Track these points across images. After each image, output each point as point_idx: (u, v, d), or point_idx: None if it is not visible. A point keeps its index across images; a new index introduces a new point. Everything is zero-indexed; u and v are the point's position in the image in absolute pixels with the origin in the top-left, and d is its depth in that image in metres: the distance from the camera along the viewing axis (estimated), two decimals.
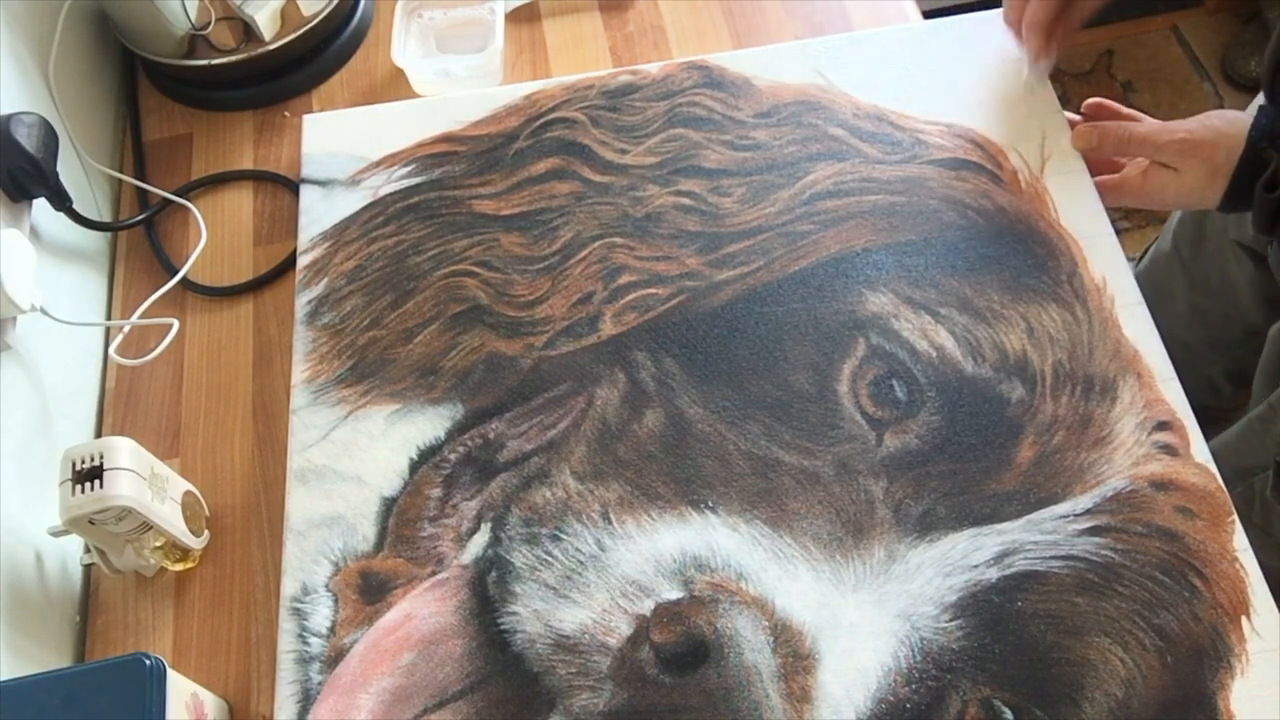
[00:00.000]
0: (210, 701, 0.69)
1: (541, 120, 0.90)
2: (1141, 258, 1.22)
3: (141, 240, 0.92)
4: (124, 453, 0.69)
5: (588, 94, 0.91)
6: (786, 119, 0.89)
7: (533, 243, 0.84)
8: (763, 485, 0.72)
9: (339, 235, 0.86)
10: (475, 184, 0.87)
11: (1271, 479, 0.95)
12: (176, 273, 0.88)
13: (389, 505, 0.74)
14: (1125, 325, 0.78)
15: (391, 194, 0.87)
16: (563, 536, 0.71)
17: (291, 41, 0.97)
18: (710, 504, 0.71)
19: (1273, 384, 0.99)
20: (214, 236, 0.91)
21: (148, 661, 0.61)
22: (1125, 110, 0.86)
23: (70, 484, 0.67)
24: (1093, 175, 0.84)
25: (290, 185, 0.93)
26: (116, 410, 0.84)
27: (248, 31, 0.94)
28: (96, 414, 0.85)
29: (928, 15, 0.99)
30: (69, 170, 0.85)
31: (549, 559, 0.70)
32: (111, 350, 0.83)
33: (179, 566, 0.76)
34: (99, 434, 0.84)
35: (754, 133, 0.88)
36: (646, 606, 0.67)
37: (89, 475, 0.67)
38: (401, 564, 0.72)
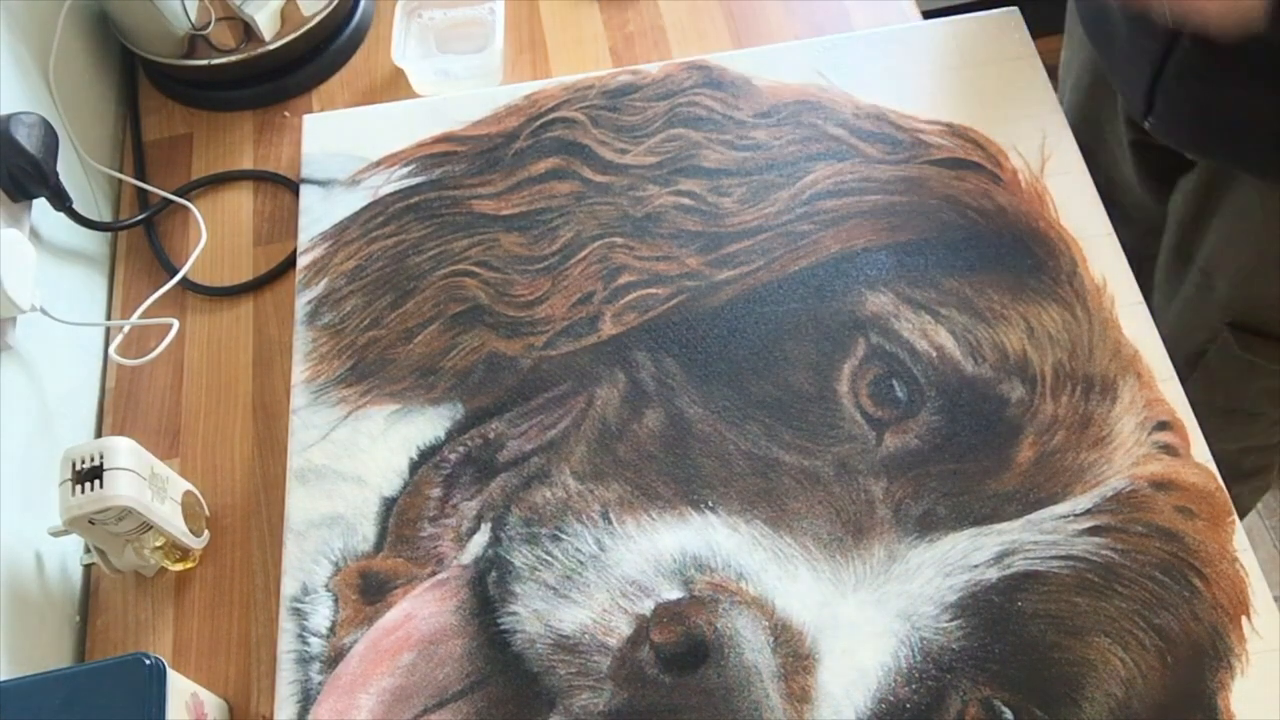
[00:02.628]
0: (210, 701, 0.69)
1: (541, 120, 0.90)
2: None
3: (141, 240, 0.92)
4: (124, 453, 0.69)
5: (588, 94, 0.91)
6: (786, 119, 0.89)
7: (533, 243, 0.84)
8: (763, 485, 0.72)
9: (339, 235, 0.86)
10: (475, 184, 0.87)
11: (1234, 339, 0.93)
12: (176, 273, 0.88)
13: (389, 505, 0.74)
14: (1125, 325, 0.78)
15: (391, 194, 0.87)
16: (563, 536, 0.70)
17: (291, 41, 0.97)
18: (710, 504, 0.71)
19: (1182, 258, 0.97)
20: (214, 236, 0.91)
21: (148, 661, 0.61)
22: None
23: (70, 484, 0.67)
24: None
25: (290, 185, 0.93)
26: (116, 410, 0.84)
27: (248, 31, 0.94)
28: (96, 414, 0.85)
29: (928, 15, 0.99)
30: (69, 170, 0.85)
31: (549, 559, 0.70)
32: (111, 350, 0.83)
33: (179, 566, 0.76)
34: (99, 434, 0.84)
35: (754, 132, 0.88)
36: (646, 606, 0.67)
37: (89, 475, 0.67)
38: (401, 564, 0.72)
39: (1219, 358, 0.94)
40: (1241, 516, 0.89)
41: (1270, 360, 0.93)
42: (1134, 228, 0.91)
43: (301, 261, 0.85)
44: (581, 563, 0.69)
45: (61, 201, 0.82)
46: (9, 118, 0.77)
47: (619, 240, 0.83)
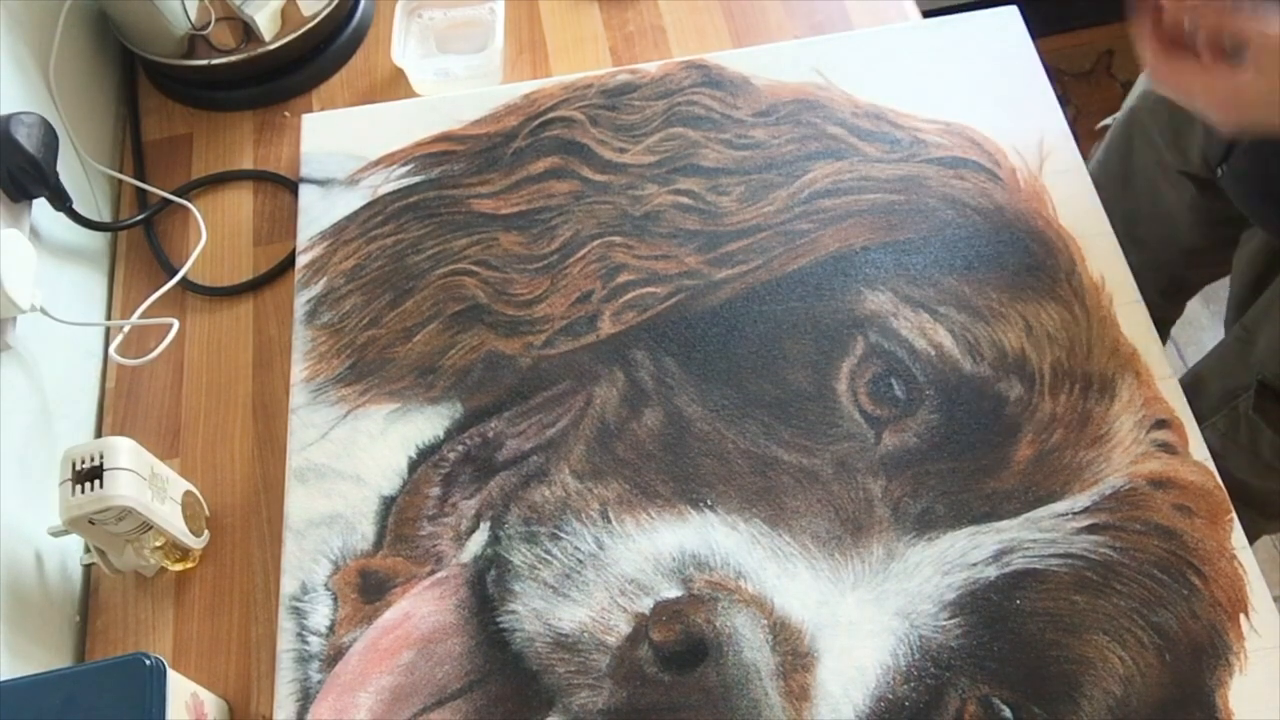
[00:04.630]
0: (210, 701, 0.69)
1: (540, 119, 0.90)
2: None
3: (141, 240, 0.92)
4: (124, 453, 0.69)
5: (586, 93, 0.91)
6: (785, 118, 0.89)
7: (531, 241, 0.84)
8: (761, 484, 0.72)
9: (338, 234, 0.86)
10: (474, 183, 0.87)
11: (1254, 398, 0.96)
12: (176, 273, 0.88)
13: (388, 504, 0.74)
14: (1123, 324, 0.78)
15: (390, 193, 0.87)
16: (562, 535, 0.71)
17: (291, 41, 0.97)
18: (709, 502, 0.71)
19: (1243, 308, 1.00)
20: (214, 236, 0.91)
21: (148, 661, 0.61)
22: None
23: (70, 484, 0.68)
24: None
25: (290, 185, 0.93)
26: (116, 410, 0.84)
27: (248, 31, 0.94)
28: (96, 414, 0.85)
29: (927, 15, 0.99)
30: (69, 170, 0.85)
31: (548, 557, 0.70)
32: (111, 350, 0.83)
33: (179, 566, 0.76)
34: (99, 434, 0.84)
35: (752, 131, 0.88)
36: (645, 605, 0.67)
37: (89, 475, 0.68)
38: (400, 563, 0.72)
39: (1245, 405, 0.97)
40: (1255, 538, 0.90)
41: (1276, 430, 0.95)
42: (1146, 254, 0.92)
43: (300, 261, 0.85)
44: (580, 561, 0.69)
45: (61, 201, 0.83)
46: (9, 118, 0.77)
47: (618, 239, 0.83)
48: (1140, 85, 1.09)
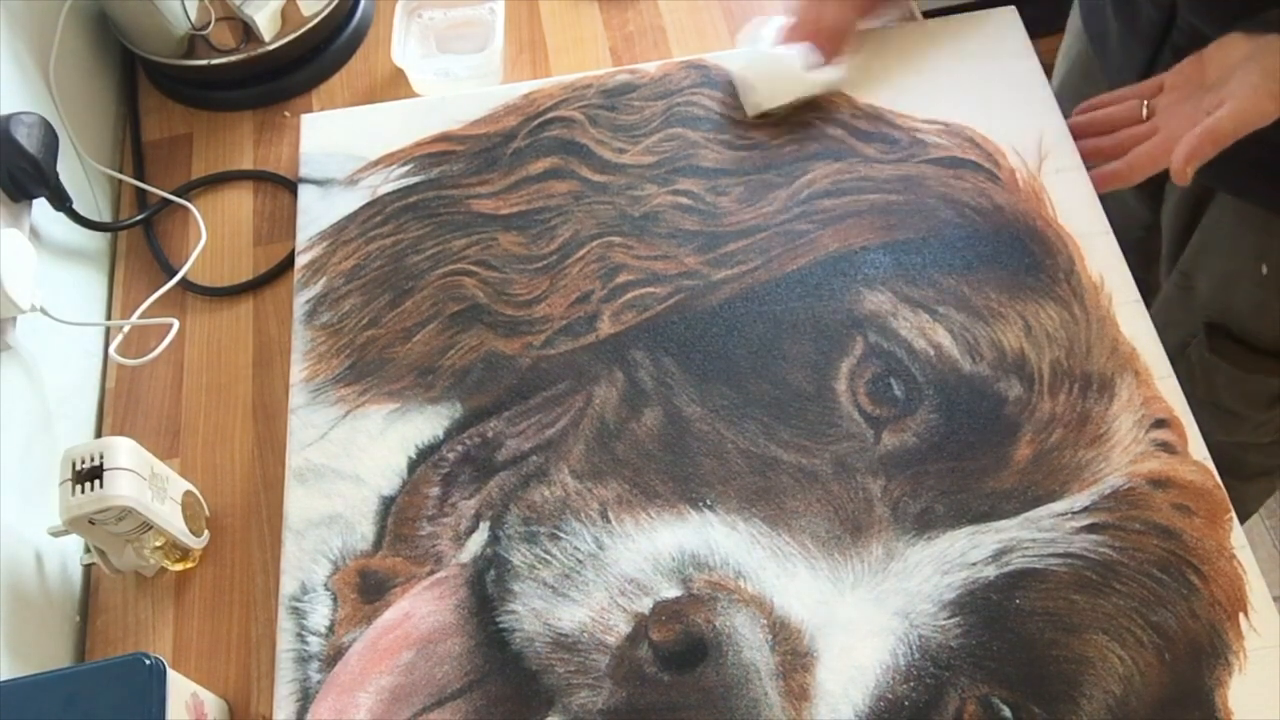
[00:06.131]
0: (210, 701, 0.69)
1: (539, 119, 0.90)
2: None
3: (141, 240, 0.92)
4: (124, 453, 0.69)
5: (586, 93, 0.91)
6: (784, 118, 0.89)
7: (531, 242, 0.84)
8: (761, 484, 0.72)
9: (337, 234, 0.86)
10: (473, 183, 0.87)
11: (1205, 340, 0.95)
12: (176, 273, 0.88)
13: (388, 504, 0.74)
14: (1123, 323, 0.78)
15: (390, 193, 0.87)
16: (561, 535, 0.71)
17: (291, 41, 0.97)
18: (709, 502, 0.71)
19: (1171, 261, 1.01)
20: (214, 236, 0.92)
21: (148, 661, 0.61)
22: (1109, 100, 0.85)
23: (70, 484, 0.68)
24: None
25: (290, 185, 0.93)
26: (116, 410, 0.84)
27: (248, 31, 0.94)
28: (96, 414, 0.85)
29: (927, 15, 0.99)
30: (69, 170, 0.85)
31: (548, 557, 0.70)
32: (111, 350, 0.83)
33: (179, 566, 0.76)
34: (99, 434, 0.84)
35: (752, 132, 0.88)
36: (645, 605, 0.67)
37: (89, 475, 0.68)
38: (400, 563, 0.72)
39: (1197, 353, 0.95)
40: (1245, 518, 0.90)
41: (1235, 365, 0.94)
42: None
43: (300, 261, 0.85)
44: (580, 561, 0.69)
45: (61, 201, 0.83)
46: (9, 118, 0.77)
47: (617, 239, 0.83)
48: (1059, 72, 1.09)
